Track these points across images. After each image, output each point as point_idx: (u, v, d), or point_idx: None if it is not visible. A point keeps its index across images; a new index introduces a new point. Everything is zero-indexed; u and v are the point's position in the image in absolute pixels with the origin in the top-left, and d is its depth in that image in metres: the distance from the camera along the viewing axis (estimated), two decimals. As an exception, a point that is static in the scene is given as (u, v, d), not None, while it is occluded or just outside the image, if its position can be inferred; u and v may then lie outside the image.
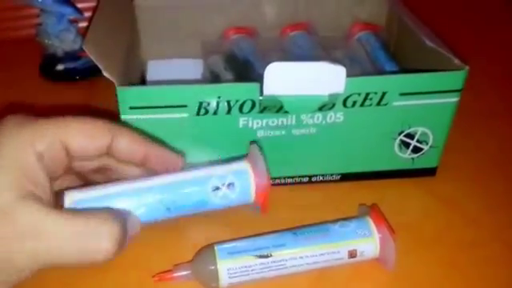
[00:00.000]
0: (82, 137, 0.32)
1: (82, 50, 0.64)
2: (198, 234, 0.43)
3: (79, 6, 0.65)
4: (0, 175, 0.29)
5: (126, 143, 0.34)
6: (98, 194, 0.35)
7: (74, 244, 0.30)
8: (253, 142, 0.43)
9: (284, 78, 0.40)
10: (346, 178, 0.48)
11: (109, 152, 0.34)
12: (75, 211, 0.32)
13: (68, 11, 0.64)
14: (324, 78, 0.40)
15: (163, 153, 0.37)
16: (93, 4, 0.70)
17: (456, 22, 0.76)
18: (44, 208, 0.29)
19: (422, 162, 0.48)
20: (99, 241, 0.31)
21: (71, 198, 0.34)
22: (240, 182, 0.39)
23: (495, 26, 0.80)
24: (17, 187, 0.29)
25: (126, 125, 0.37)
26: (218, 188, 0.38)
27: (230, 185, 0.38)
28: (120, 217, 0.33)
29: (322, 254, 0.39)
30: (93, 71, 0.64)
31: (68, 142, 0.32)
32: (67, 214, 0.31)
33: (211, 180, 0.38)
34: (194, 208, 0.38)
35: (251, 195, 0.40)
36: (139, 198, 0.36)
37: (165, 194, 0.37)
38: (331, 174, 0.48)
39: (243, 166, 0.40)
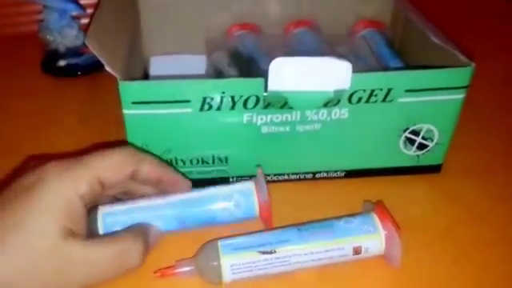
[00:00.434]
0: (113, 171, 0.37)
1: (84, 46, 0.64)
2: (200, 230, 0.43)
3: (81, 2, 0.65)
4: (47, 218, 0.34)
5: (147, 170, 0.39)
6: (123, 208, 0.40)
7: (113, 265, 0.36)
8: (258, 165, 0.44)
9: (289, 74, 0.40)
10: (351, 174, 0.48)
11: (131, 177, 0.39)
12: (106, 236, 0.37)
13: (70, 7, 0.63)
14: (330, 74, 0.40)
15: (175, 176, 0.41)
16: (95, 0, 0.70)
17: (462, 19, 0.76)
18: (82, 242, 0.35)
19: (427, 159, 0.48)
20: (131, 259, 0.37)
21: (103, 211, 0.39)
22: (245, 201, 0.41)
23: (501, 22, 0.80)
24: (62, 228, 0.34)
25: (145, 151, 0.41)
26: (225, 206, 0.41)
27: (236, 204, 0.41)
28: (144, 232, 0.38)
29: (326, 251, 0.38)
30: (95, 67, 0.64)
31: (102, 177, 0.37)
32: (101, 241, 0.36)
33: (219, 199, 0.41)
34: (204, 223, 0.41)
35: (255, 212, 0.42)
36: (157, 212, 0.40)
37: (179, 210, 0.41)
38: (335, 171, 0.48)
39: (249, 185, 0.42)
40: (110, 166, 0.37)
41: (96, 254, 0.35)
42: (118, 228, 0.39)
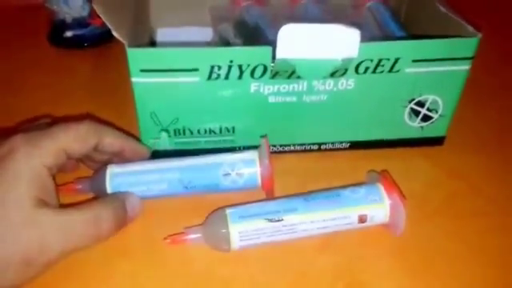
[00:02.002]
0: (78, 142, 0.39)
1: (90, 16, 0.64)
2: (209, 198, 0.43)
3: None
4: (19, 189, 0.35)
5: (109, 141, 0.41)
6: (131, 169, 0.42)
7: (85, 232, 0.36)
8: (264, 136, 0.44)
9: (298, 41, 0.40)
10: (355, 146, 0.48)
11: (95, 148, 0.40)
12: (79, 205, 0.38)
13: (76, -24, 0.63)
14: (338, 41, 0.40)
15: (136, 146, 0.43)
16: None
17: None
18: (55, 210, 0.36)
19: (430, 131, 0.48)
20: (103, 226, 0.37)
21: (111, 171, 0.42)
22: (248, 170, 0.42)
23: (509, 1, 0.79)
24: (33, 198, 0.35)
25: (107, 124, 0.42)
26: (228, 174, 0.42)
27: (239, 172, 0.42)
28: (118, 200, 0.40)
29: (332, 219, 0.39)
30: (101, 39, 0.64)
31: (68, 149, 0.38)
32: (73, 209, 0.37)
33: (223, 166, 0.42)
34: (207, 188, 0.42)
35: (257, 182, 0.42)
36: (162, 175, 0.42)
37: (184, 174, 0.42)
38: (340, 142, 0.48)
39: (252, 154, 0.43)
40: (75, 138, 0.38)
41: (68, 222, 0.36)
42: (124, 189, 0.41)
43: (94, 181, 0.42)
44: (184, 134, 0.45)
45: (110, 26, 0.39)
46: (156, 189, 0.42)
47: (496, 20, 0.72)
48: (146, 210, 0.42)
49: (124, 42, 0.39)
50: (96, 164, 0.44)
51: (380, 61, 0.42)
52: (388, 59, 0.42)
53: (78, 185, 0.43)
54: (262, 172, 0.42)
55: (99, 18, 0.39)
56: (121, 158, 0.43)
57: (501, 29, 0.70)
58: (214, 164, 0.42)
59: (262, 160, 0.42)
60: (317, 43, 0.40)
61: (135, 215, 0.41)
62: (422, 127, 0.48)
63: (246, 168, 0.42)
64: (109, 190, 0.41)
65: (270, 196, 0.42)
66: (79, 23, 0.64)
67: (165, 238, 0.39)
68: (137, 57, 0.40)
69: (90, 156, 0.43)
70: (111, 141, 0.41)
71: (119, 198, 0.40)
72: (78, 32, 0.64)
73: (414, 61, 0.42)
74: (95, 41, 0.64)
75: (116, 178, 0.41)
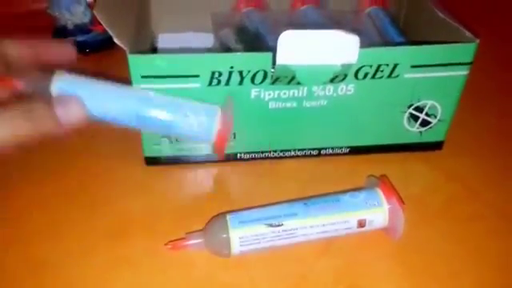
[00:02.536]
0: None
1: (92, 23, 0.65)
2: (209, 204, 0.44)
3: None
4: None
5: (13, 51, 0.39)
6: (82, 82, 0.40)
7: (22, 123, 0.36)
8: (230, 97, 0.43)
9: (297, 47, 0.40)
10: (355, 151, 0.49)
11: (6, 66, 0.39)
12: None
13: (78, -17, 0.63)
14: (338, 48, 0.41)
15: (52, 45, 0.41)
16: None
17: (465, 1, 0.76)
18: None
19: (429, 136, 0.48)
20: (39, 117, 0.37)
21: (59, 76, 0.39)
22: (207, 120, 0.41)
23: (507, 4, 0.79)
24: None
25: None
26: (187, 116, 0.41)
27: (199, 118, 0.41)
28: (59, 99, 0.38)
29: (331, 224, 0.39)
30: (103, 45, 0.64)
31: None
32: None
33: (184, 108, 0.41)
34: (160, 125, 0.41)
35: (212, 135, 0.41)
36: (118, 100, 0.40)
37: (142, 104, 0.40)
38: (340, 147, 0.48)
39: (215, 108, 0.42)
40: None
41: (5, 114, 0.36)
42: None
43: (37, 80, 0.40)
44: (185, 140, 0.45)
45: (111, 33, 0.39)
46: (106, 111, 0.40)
47: (494, 24, 0.73)
48: (146, 216, 0.43)
49: (125, 48, 0.39)
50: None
51: (379, 66, 0.42)
52: (387, 65, 0.42)
53: (17, 81, 0.39)
54: (220, 126, 0.41)
55: (101, 24, 0.40)
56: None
57: (499, 33, 0.70)
58: (177, 103, 0.41)
59: (223, 115, 0.41)
60: (316, 49, 0.41)
61: (74, 118, 0.39)
62: (420, 132, 0.48)
63: (205, 116, 0.41)
64: (53, 94, 0.39)
65: (219, 155, 0.42)
66: (81, 29, 0.65)
67: (165, 244, 0.39)
68: (138, 63, 0.40)
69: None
70: (15, 47, 0.39)
71: (59, 97, 0.39)
72: (80, 38, 0.65)
73: (413, 66, 0.43)
74: (97, 47, 0.65)
75: (63, 82, 0.39)
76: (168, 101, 0.41)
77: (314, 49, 0.40)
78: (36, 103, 0.37)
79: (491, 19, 0.75)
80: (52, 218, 0.42)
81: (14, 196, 0.44)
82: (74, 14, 0.64)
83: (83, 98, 0.39)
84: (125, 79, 0.42)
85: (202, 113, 0.41)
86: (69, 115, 0.39)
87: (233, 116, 0.42)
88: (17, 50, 0.39)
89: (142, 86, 0.41)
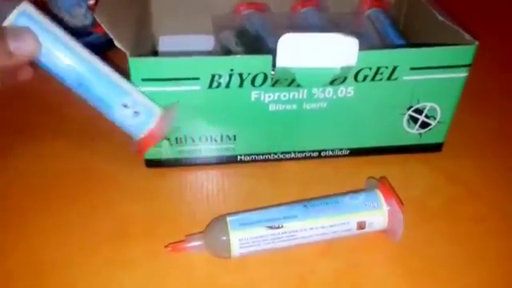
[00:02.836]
0: None
1: (93, 25, 0.65)
2: (210, 206, 0.44)
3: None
4: None
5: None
6: (44, 23, 0.39)
7: None
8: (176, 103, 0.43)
9: (297, 50, 0.40)
10: (355, 152, 0.49)
11: None
12: None
13: (79, -14, 0.64)
14: (337, 50, 0.41)
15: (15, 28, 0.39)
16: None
17: (465, 1, 0.76)
18: None
19: (429, 138, 0.49)
20: None
21: (24, 8, 0.38)
22: (144, 117, 0.41)
23: (506, 6, 0.80)
24: None
25: None
26: (126, 106, 0.41)
27: (136, 112, 0.41)
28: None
29: (331, 226, 0.39)
30: (103, 47, 0.64)
31: None
32: None
33: (127, 97, 0.41)
34: (98, 103, 0.41)
35: (141, 133, 0.42)
36: (70, 58, 0.39)
37: (87, 72, 0.40)
38: (340, 149, 0.49)
39: (157, 109, 0.42)
40: None
41: None
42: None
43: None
44: (185, 142, 0.46)
45: (112, 36, 0.39)
46: (54, 63, 0.39)
47: (494, 25, 0.73)
48: (146, 218, 0.43)
49: (126, 51, 0.40)
50: None
51: (378, 69, 0.42)
52: (386, 67, 0.42)
53: None
54: (153, 128, 0.41)
55: (102, 26, 0.40)
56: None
57: (499, 34, 0.71)
58: (123, 90, 0.41)
59: (161, 119, 0.41)
60: (316, 52, 0.41)
61: (26, 51, 0.38)
62: (420, 134, 0.48)
63: (143, 114, 0.41)
64: (6, 23, 0.38)
65: (138, 154, 0.43)
66: (82, 32, 0.65)
67: (166, 246, 0.39)
68: (138, 66, 0.41)
69: None
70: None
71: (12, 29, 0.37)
72: (81, 41, 0.64)
73: (412, 68, 0.43)
74: (97, 49, 0.64)
75: (26, 17, 0.38)
76: (115, 82, 0.40)
77: (314, 51, 0.41)
78: None
79: (491, 20, 0.75)
80: (53, 221, 0.42)
81: (16, 199, 0.44)
82: (75, 17, 0.64)
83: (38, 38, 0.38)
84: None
85: (142, 110, 0.41)
86: (22, 49, 0.37)
87: (172, 123, 0.42)
88: None
89: (143, 88, 0.42)
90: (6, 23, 0.37)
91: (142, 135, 0.42)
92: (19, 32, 0.38)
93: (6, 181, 0.46)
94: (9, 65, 0.38)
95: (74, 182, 0.46)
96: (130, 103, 0.41)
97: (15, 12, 0.37)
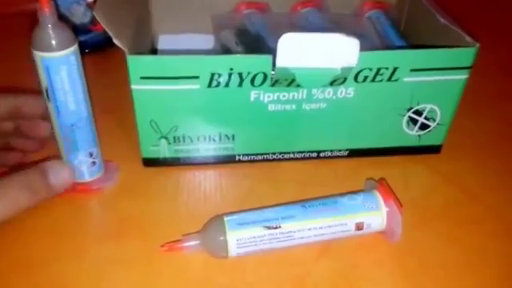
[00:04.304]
0: None
1: (91, 23, 0.65)
2: (207, 206, 0.44)
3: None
4: None
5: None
6: (80, 68, 0.41)
7: (20, 194, 0.38)
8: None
9: (297, 50, 0.40)
10: (354, 153, 0.49)
11: None
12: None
13: (78, -16, 0.64)
14: (337, 51, 0.40)
15: (31, 99, 0.44)
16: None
17: (464, 5, 0.76)
18: None
19: (428, 140, 0.48)
20: (15, 194, 0.38)
21: (75, 48, 0.39)
22: (96, 169, 0.45)
23: (506, 9, 0.80)
24: None
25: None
26: (91, 155, 0.43)
27: (94, 163, 0.44)
28: (36, 168, 0.40)
29: (329, 226, 0.39)
30: (103, 45, 0.64)
31: None
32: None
33: (95, 148, 0.44)
34: (70, 143, 0.42)
35: (85, 179, 0.44)
36: (81, 103, 0.41)
37: (85, 119, 0.42)
38: (339, 150, 0.48)
39: (102, 168, 0.45)
40: None
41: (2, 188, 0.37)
42: None
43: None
44: (184, 141, 0.45)
45: (110, 34, 0.39)
46: (64, 99, 0.40)
47: (495, 28, 0.73)
48: (143, 217, 0.43)
49: (124, 49, 0.39)
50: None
51: (379, 70, 0.42)
52: (387, 68, 0.42)
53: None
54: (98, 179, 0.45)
55: (100, 24, 0.40)
56: (21, 137, 0.44)
57: (500, 36, 0.71)
58: (95, 139, 0.43)
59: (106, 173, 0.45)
60: (316, 52, 0.40)
61: (63, 183, 0.41)
62: (419, 135, 0.48)
63: (97, 165, 0.44)
64: None
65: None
66: (81, 29, 0.65)
67: (162, 246, 0.39)
68: (137, 64, 0.40)
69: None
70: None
71: (38, 165, 0.40)
72: (80, 38, 0.64)
73: (413, 70, 0.43)
74: (97, 47, 0.65)
75: (72, 56, 0.39)
76: (94, 131, 0.43)
77: (314, 52, 0.40)
78: (32, 173, 0.40)
79: (492, 22, 0.75)
80: (47, 219, 0.42)
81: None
82: (74, 15, 0.64)
83: None
84: (124, 79, 0.42)
85: (98, 162, 0.44)
86: (61, 183, 0.41)
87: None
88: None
89: (141, 87, 0.41)
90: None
91: (84, 180, 0.44)
92: (59, 168, 0.41)
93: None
94: (49, 197, 0.41)
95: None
96: (95, 154, 0.43)
97: (71, 49, 0.38)
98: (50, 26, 0.37)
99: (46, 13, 0.36)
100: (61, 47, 0.37)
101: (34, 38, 0.37)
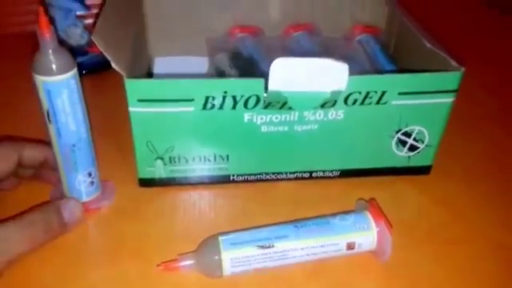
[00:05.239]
0: (2, 163, 0.43)
1: (88, 45, 0.66)
2: (202, 226, 0.44)
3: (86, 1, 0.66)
4: None
5: (29, 153, 0.44)
6: (80, 91, 0.42)
7: (21, 238, 0.39)
8: None
9: (289, 74, 0.41)
10: (346, 174, 0.50)
11: (19, 164, 0.44)
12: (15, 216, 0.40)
13: (76, 7, 0.64)
14: (327, 75, 0.42)
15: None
16: (99, 0, 0.71)
17: (452, 29, 0.78)
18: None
19: (417, 161, 0.50)
20: (34, 231, 0.40)
21: (75, 71, 0.40)
22: (93, 189, 0.46)
23: (490, 35, 0.82)
24: None
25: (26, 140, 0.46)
26: (90, 175, 0.44)
27: (92, 183, 0.45)
28: (51, 206, 0.42)
29: (321, 246, 0.40)
30: (99, 66, 0.65)
31: None
32: (7, 221, 0.39)
33: (94, 168, 0.45)
34: (70, 163, 0.43)
35: (84, 199, 0.45)
36: (81, 124, 0.42)
37: (85, 140, 0.43)
38: (331, 171, 0.49)
39: (100, 187, 0.46)
40: None
41: (4, 233, 0.38)
42: None
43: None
44: (179, 161, 0.46)
45: (109, 58, 0.40)
46: (65, 121, 0.41)
47: (481, 50, 0.75)
48: (139, 237, 0.43)
49: (122, 73, 0.41)
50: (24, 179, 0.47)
51: (368, 93, 0.44)
52: (375, 92, 0.44)
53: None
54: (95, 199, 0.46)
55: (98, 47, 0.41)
56: (48, 169, 0.46)
57: (485, 60, 0.72)
58: (94, 160, 0.44)
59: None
60: (307, 76, 0.42)
61: (75, 220, 0.43)
62: (409, 156, 0.49)
63: (95, 185, 0.45)
64: None
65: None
66: (78, 51, 0.66)
67: (158, 265, 0.40)
68: (135, 87, 0.42)
69: (17, 173, 0.45)
70: (32, 152, 0.44)
71: (54, 203, 0.42)
72: (77, 60, 0.65)
73: (401, 93, 0.44)
74: (93, 68, 0.66)
75: (73, 80, 0.40)
76: (93, 152, 0.44)
77: (305, 76, 0.42)
78: (48, 211, 0.41)
79: (477, 44, 0.77)
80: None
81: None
82: (71, 37, 0.65)
83: None
84: (120, 100, 0.43)
85: (95, 182, 0.45)
86: (74, 220, 0.43)
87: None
88: (31, 150, 0.45)
89: (138, 109, 0.42)
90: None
91: (82, 200, 0.45)
92: (73, 206, 0.43)
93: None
94: (63, 234, 0.42)
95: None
96: (94, 173, 0.44)
97: (71, 73, 0.40)
98: (50, 51, 0.38)
99: (47, 38, 0.37)
100: (61, 71, 0.38)
101: (35, 63, 0.38)
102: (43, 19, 0.37)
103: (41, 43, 0.38)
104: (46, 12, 0.37)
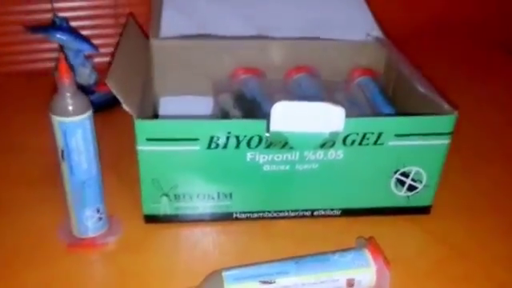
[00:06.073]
0: None
1: (96, 84, 0.68)
2: (205, 261, 0.45)
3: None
4: None
5: None
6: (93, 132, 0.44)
7: None
8: None
9: (289, 116, 0.43)
10: (346, 213, 0.51)
11: None
12: None
13: (85, 47, 0.67)
14: (325, 118, 0.44)
15: None
16: (107, 40, 0.74)
17: (450, 69, 0.80)
18: None
19: (416, 201, 0.51)
20: None
21: (89, 114, 0.43)
22: (101, 225, 0.47)
23: (490, 73, 0.84)
24: None
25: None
26: (98, 211, 0.46)
27: (100, 218, 0.46)
28: None
29: (321, 282, 0.41)
30: (106, 105, 0.67)
31: None
32: None
33: (102, 204, 0.46)
34: (80, 199, 0.44)
35: (90, 234, 0.47)
36: (92, 162, 0.44)
37: (95, 178, 0.45)
38: (332, 209, 0.51)
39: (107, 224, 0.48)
40: None
41: None
42: None
43: None
44: (184, 198, 0.48)
45: (121, 100, 0.42)
46: (78, 160, 0.43)
47: (476, 92, 0.76)
48: (144, 272, 0.44)
49: (133, 114, 0.43)
50: None
51: (365, 134, 0.45)
52: (372, 133, 0.45)
53: None
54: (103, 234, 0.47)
55: (105, 85, 0.43)
56: None
57: (481, 100, 0.74)
58: (102, 196, 0.46)
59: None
60: (306, 118, 0.44)
61: None
62: (408, 196, 0.50)
63: (103, 220, 0.47)
64: None
65: (69, 247, 0.45)
66: (86, 90, 0.67)
67: (163, 299, 0.41)
68: (144, 127, 0.44)
69: None
70: None
71: None
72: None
73: (397, 135, 0.46)
74: (101, 107, 0.67)
75: (87, 120, 0.42)
76: (101, 189, 0.46)
77: (304, 118, 0.44)
78: None
79: (473, 87, 0.78)
80: (48, 272, 0.43)
81: (4, 258, 0.46)
82: (80, 76, 0.67)
83: None
84: (126, 138, 0.45)
85: (103, 218, 0.46)
86: None
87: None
88: None
89: (147, 147, 0.44)
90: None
91: (90, 236, 0.46)
92: None
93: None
94: None
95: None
96: (101, 209, 0.46)
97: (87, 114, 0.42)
98: (68, 94, 0.40)
99: (66, 83, 0.40)
100: (77, 113, 0.41)
101: (53, 104, 0.40)
102: (63, 65, 0.40)
103: (59, 87, 0.40)
104: (66, 59, 0.40)
